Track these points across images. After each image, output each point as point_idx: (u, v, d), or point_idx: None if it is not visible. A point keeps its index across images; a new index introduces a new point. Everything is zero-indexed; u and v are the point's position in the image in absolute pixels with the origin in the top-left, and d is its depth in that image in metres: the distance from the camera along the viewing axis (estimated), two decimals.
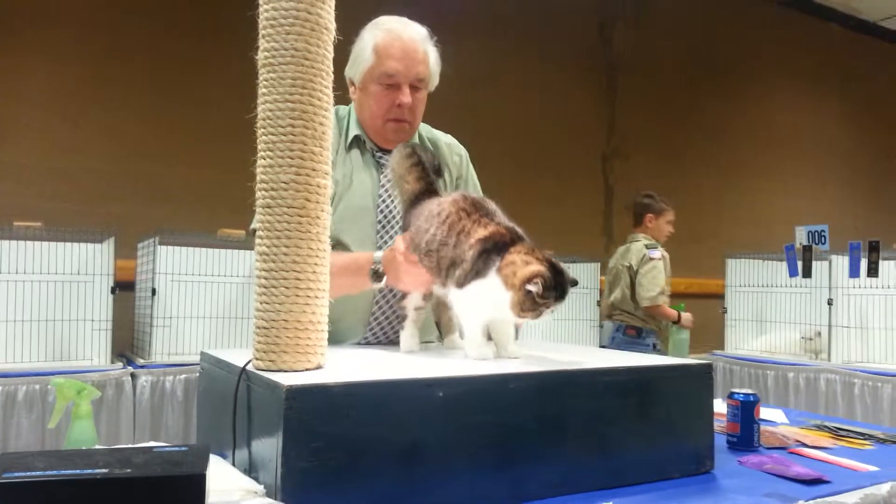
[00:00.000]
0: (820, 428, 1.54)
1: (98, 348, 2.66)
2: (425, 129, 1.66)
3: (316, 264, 0.99)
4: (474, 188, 1.69)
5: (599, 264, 3.83)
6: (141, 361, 2.74)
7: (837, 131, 5.99)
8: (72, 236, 2.69)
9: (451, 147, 1.68)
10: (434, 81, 1.57)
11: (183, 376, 2.67)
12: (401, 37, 1.47)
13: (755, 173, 5.51)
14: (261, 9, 1.00)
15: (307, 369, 0.98)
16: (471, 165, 1.71)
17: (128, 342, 3.05)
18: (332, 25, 1.02)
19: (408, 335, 1.34)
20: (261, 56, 1.00)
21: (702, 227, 5.14)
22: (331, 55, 1.02)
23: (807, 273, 3.40)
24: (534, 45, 4.52)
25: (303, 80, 0.98)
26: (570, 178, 4.64)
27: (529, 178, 4.45)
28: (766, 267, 3.78)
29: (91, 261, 2.69)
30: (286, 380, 0.87)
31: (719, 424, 1.30)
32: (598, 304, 3.77)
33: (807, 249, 3.39)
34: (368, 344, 1.53)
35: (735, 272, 3.86)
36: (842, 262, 3.30)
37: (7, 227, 2.59)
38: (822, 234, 3.36)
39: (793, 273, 3.44)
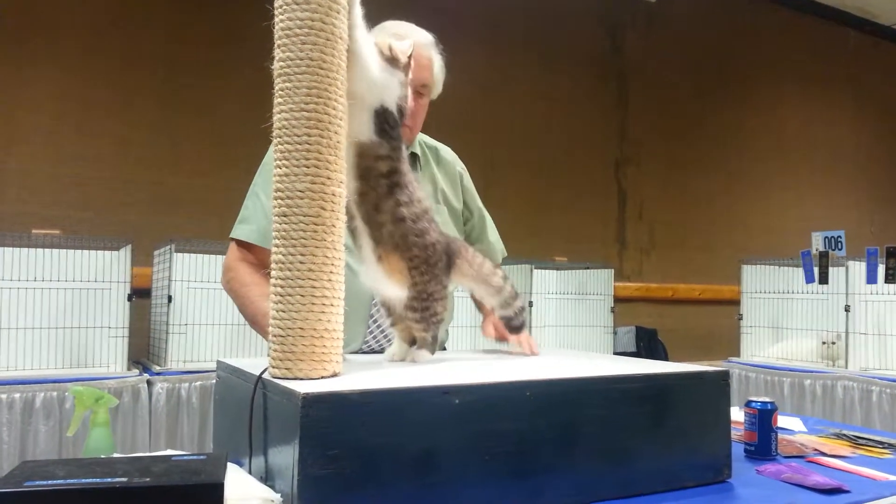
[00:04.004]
0: (839, 436, 1.53)
1: (115, 355, 2.69)
2: (425, 139, 1.67)
3: (331, 272, 1.00)
4: (480, 208, 1.70)
5: (613, 271, 3.81)
6: (157, 368, 2.76)
7: (852, 136, 5.95)
8: (89, 244, 2.71)
9: (454, 160, 1.70)
10: (437, 89, 1.56)
11: (198, 383, 2.69)
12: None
13: (768, 179, 5.48)
14: (276, 19, 1.01)
15: (323, 377, 0.99)
16: (469, 180, 1.72)
17: (144, 349, 3.08)
18: (347, 35, 1.03)
19: (394, 346, 1.30)
20: (276, 66, 1.00)
21: (715, 233, 5.11)
22: (345, 64, 1.02)
23: (823, 279, 3.36)
24: (543, 54, 4.52)
25: (318, 90, 0.98)
26: (583, 186, 4.63)
27: (541, 186, 4.45)
28: (782, 273, 3.74)
29: (108, 268, 2.72)
30: (302, 388, 0.88)
31: (736, 433, 1.29)
32: (612, 310, 3.75)
33: (823, 255, 3.36)
34: (372, 350, 1.53)
35: (751, 278, 3.83)
36: (859, 269, 3.27)
37: (26, 235, 2.62)
38: (839, 239, 3.33)
39: (809, 279, 3.41)
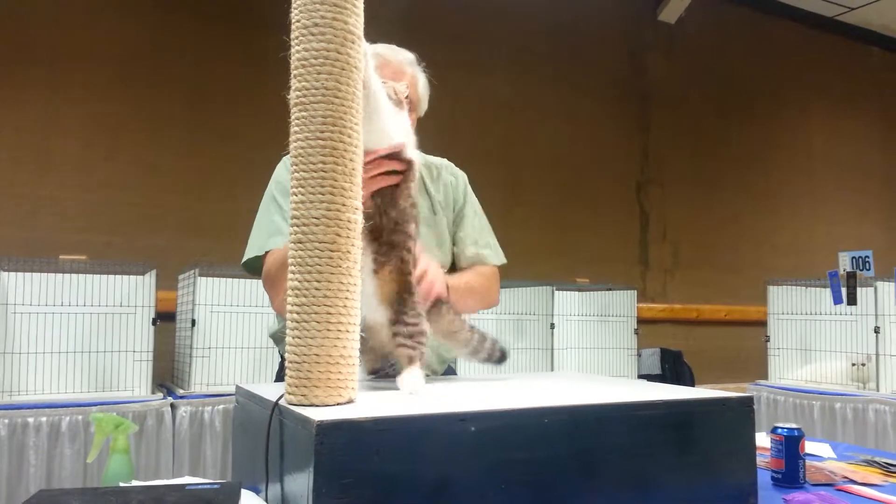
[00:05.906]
0: (869, 463, 1.49)
1: (139, 379, 2.71)
2: (423, 157, 1.67)
3: (347, 298, 1.00)
4: (473, 211, 1.69)
5: (636, 292, 3.77)
6: (181, 392, 2.77)
7: (878, 155, 5.85)
8: (115, 269, 2.76)
9: (447, 168, 1.71)
10: (423, 106, 1.59)
11: (221, 406, 2.70)
12: (389, 62, 1.50)
13: (794, 199, 5.40)
14: (292, 49, 1.02)
15: (338, 404, 0.99)
16: (469, 187, 1.72)
17: (168, 372, 3.10)
18: (361, 64, 1.04)
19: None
20: (293, 95, 1.02)
21: (741, 253, 5.05)
22: (360, 93, 1.03)
23: (852, 300, 3.30)
24: (566, 76, 4.53)
25: (333, 118, 0.99)
26: (605, 207, 4.61)
27: (564, 208, 4.44)
28: (809, 294, 3.68)
29: (133, 293, 2.75)
30: (317, 415, 0.88)
31: (762, 459, 1.26)
32: (636, 332, 3.71)
33: (851, 276, 3.30)
34: None
35: (777, 300, 3.76)
36: (888, 289, 3.20)
37: (53, 260, 2.67)
38: (867, 259, 3.26)
39: (837, 300, 3.35)
